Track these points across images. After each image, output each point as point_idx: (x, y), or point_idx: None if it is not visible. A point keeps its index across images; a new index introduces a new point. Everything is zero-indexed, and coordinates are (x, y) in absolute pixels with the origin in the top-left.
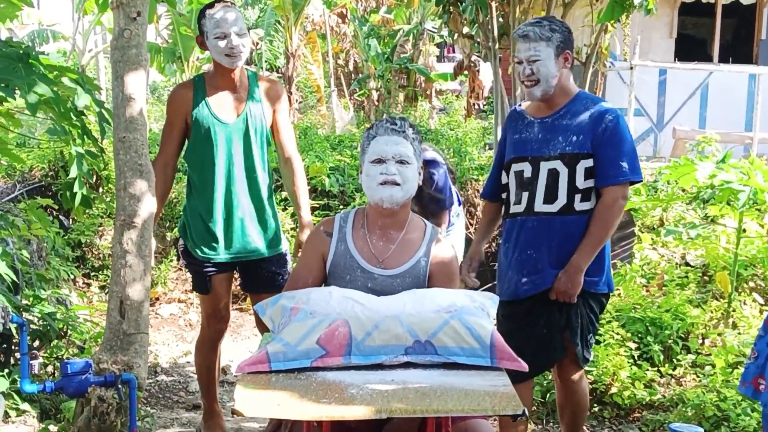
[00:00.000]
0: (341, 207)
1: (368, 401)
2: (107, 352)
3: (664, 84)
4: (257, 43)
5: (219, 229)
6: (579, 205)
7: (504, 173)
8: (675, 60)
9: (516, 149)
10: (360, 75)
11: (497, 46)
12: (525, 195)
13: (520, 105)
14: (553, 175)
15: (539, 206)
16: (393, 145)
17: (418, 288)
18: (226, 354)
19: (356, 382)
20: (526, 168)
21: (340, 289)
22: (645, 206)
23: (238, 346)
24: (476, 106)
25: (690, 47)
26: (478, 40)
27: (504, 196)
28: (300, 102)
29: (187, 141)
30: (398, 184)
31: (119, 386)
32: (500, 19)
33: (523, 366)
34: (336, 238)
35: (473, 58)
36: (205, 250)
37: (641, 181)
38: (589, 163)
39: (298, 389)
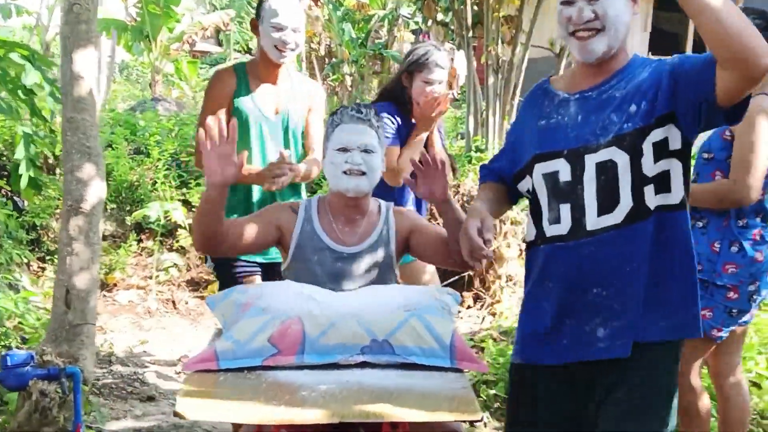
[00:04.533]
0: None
1: (320, 404)
2: (51, 344)
3: None
4: (227, 24)
5: None
6: (654, 200)
7: (526, 178)
8: (649, 53)
9: (541, 141)
10: (333, 60)
11: (471, 35)
12: (566, 209)
13: (547, 80)
14: (606, 170)
15: (593, 221)
16: (358, 134)
17: (390, 257)
18: (185, 343)
19: (308, 383)
20: (562, 168)
21: (296, 284)
22: None
23: (199, 333)
24: (450, 95)
25: (664, 41)
26: (452, 27)
27: (528, 209)
28: None
29: None
30: (364, 173)
31: (63, 380)
32: (474, 8)
33: (483, 367)
34: (303, 217)
35: (447, 46)
36: None
37: None
38: (660, 134)
39: (247, 390)
